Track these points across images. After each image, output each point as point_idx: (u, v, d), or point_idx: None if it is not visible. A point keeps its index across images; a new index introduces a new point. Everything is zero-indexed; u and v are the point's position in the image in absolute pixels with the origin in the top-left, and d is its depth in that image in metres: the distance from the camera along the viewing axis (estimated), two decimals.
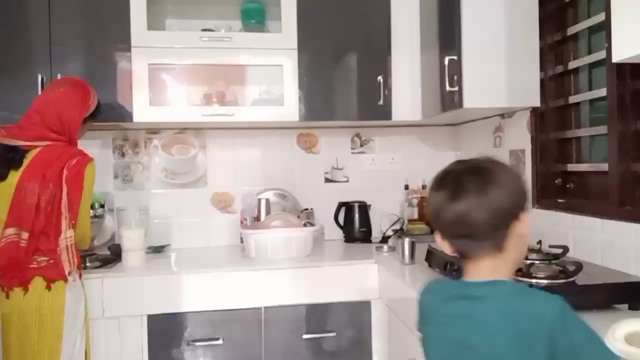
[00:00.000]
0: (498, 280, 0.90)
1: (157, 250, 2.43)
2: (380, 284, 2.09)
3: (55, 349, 1.67)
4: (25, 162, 1.67)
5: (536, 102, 2.01)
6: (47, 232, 1.65)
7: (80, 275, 1.76)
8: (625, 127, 1.61)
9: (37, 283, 1.65)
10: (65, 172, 1.68)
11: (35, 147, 1.70)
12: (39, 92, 2.11)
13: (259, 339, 2.06)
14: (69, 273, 1.68)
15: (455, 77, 1.98)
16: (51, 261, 1.66)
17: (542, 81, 2.00)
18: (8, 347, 1.65)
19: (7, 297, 1.64)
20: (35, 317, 1.65)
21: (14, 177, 1.66)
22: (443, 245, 0.95)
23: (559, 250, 1.52)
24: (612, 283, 1.39)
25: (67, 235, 1.68)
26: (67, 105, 1.78)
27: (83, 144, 2.49)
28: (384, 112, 2.37)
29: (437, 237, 0.96)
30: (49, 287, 1.65)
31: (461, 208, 0.88)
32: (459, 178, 0.91)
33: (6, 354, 1.66)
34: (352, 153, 2.74)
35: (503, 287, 0.90)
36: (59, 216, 1.67)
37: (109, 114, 2.21)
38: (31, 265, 1.65)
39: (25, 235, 1.64)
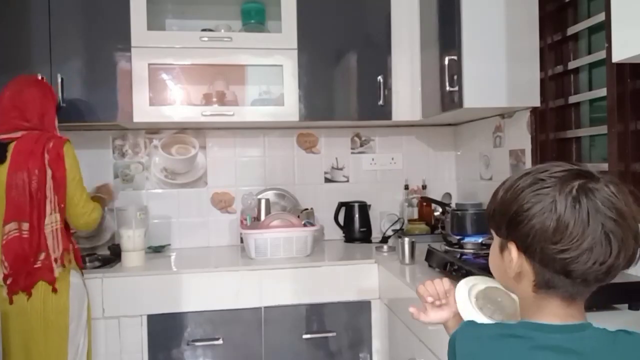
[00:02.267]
0: (584, 324, 0.75)
1: (157, 250, 2.43)
2: (380, 284, 2.09)
3: (62, 350, 1.68)
4: (8, 155, 1.68)
5: (536, 102, 2.01)
6: (41, 220, 1.67)
7: (80, 267, 1.78)
8: (625, 127, 1.61)
9: (41, 287, 1.65)
10: (46, 155, 1.69)
11: (13, 139, 1.71)
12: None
13: (259, 339, 2.06)
14: (55, 260, 1.67)
15: (455, 77, 1.98)
16: (45, 255, 1.66)
17: (542, 81, 2.00)
18: (12, 350, 1.65)
19: (11, 302, 1.64)
20: (40, 319, 1.65)
21: (2, 172, 1.67)
22: (512, 263, 0.76)
23: None
24: (612, 283, 1.38)
25: (52, 220, 1.68)
26: (41, 98, 1.81)
27: (83, 144, 2.50)
28: (384, 112, 2.37)
29: (514, 252, 0.76)
30: (54, 290, 1.66)
31: (610, 253, 0.70)
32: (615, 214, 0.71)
33: (12, 356, 1.65)
34: (352, 153, 2.75)
35: (601, 336, 0.74)
36: (44, 200, 1.68)
37: (109, 114, 2.21)
38: (35, 266, 1.65)
39: (25, 226, 1.65)
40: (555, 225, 0.70)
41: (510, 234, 0.76)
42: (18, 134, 1.72)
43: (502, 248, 0.79)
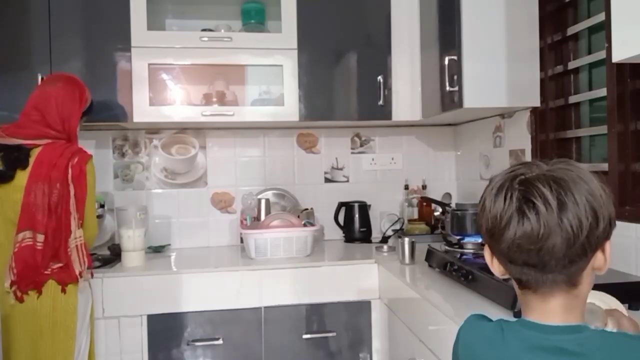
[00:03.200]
0: (582, 325, 0.73)
1: (157, 250, 2.43)
2: (380, 284, 2.10)
3: (69, 350, 1.67)
4: (31, 161, 1.67)
5: (536, 102, 2.01)
6: (59, 234, 1.65)
7: (92, 275, 1.78)
8: (625, 127, 1.61)
9: (51, 286, 1.65)
10: (70, 170, 1.68)
11: (37, 145, 1.70)
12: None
13: (259, 339, 2.06)
14: (80, 274, 1.67)
15: (455, 77, 1.98)
16: (62, 265, 1.65)
17: (542, 81, 2.00)
18: (19, 349, 1.64)
19: (22, 300, 1.63)
20: (49, 319, 1.64)
21: (21, 178, 1.65)
22: (493, 266, 0.79)
23: None
24: (612, 283, 1.39)
25: (76, 236, 1.67)
26: (66, 100, 1.77)
27: (83, 144, 2.49)
28: (384, 112, 2.37)
29: (487, 254, 0.79)
30: (64, 291, 1.65)
31: (531, 228, 0.70)
32: (532, 186, 0.71)
33: (18, 357, 1.65)
34: (352, 153, 2.75)
35: (599, 337, 0.72)
36: (68, 216, 1.66)
37: (109, 114, 2.21)
38: (45, 272, 1.64)
39: (40, 237, 1.63)
40: (493, 222, 0.74)
41: (484, 239, 0.80)
42: (43, 142, 1.71)
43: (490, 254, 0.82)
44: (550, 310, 0.74)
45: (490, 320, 0.83)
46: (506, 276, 0.78)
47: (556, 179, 0.70)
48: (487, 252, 0.79)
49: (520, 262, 0.73)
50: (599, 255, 0.73)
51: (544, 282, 0.73)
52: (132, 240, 2.09)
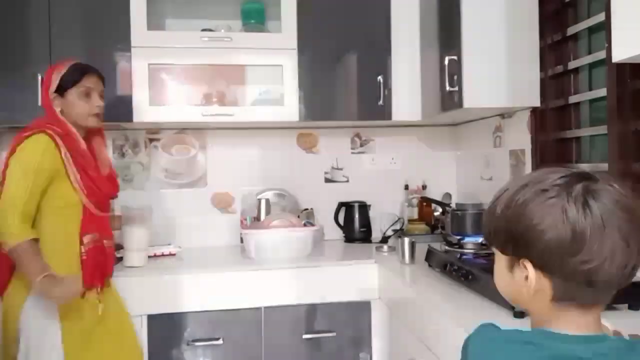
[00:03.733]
0: (600, 335, 0.72)
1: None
2: (380, 284, 2.09)
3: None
4: None
5: (536, 102, 2.01)
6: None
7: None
8: (625, 127, 1.61)
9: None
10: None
11: None
12: (39, 92, 2.11)
13: (259, 339, 2.06)
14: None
15: (455, 77, 1.98)
16: None
17: (542, 81, 2.00)
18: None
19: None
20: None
21: None
22: (531, 281, 0.71)
23: None
24: None
25: None
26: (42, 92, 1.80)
27: None
28: (384, 112, 2.37)
29: (531, 272, 0.71)
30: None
31: (628, 260, 0.67)
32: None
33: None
34: (352, 153, 2.75)
35: (612, 344, 0.71)
36: None
37: (109, 114, 2.20)
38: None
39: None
40: (571, 236, 0.66)
41: (521, 251, 0.71)
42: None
43: (512, 266, 0.74)
44: (587, 322, 0.71)
45: (502, 330, 0.79)
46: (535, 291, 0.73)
47: (628, 208, 0.68)
48: (530, 268, 0.71)
49: (594, 283, 0.68)
50: None
51: (603, 299, 0.71)
52: (135, 239, 2.08)
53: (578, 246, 0.66)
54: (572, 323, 0.71)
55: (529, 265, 0.71)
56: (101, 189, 1.76)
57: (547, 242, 0.68)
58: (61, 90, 1.73)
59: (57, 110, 1.72)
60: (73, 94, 1.73)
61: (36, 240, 1.59)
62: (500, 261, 0.77)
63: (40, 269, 1.55)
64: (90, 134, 1.82)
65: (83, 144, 1.74)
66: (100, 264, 1.74)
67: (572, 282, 0.69)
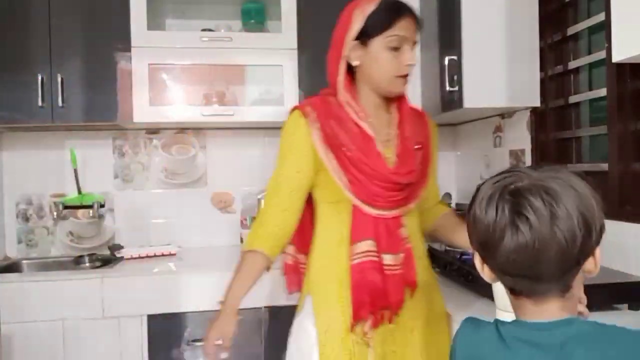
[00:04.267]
0: (570, 318, 0.73)
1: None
2: None
3: None
4: None
5: (536, 102, 2.01)
6: None
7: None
8: (625, 127, 1.61)
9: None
10: None
11: None
12: (39, 92, 2.12)
13: (259, 339, 2.06)
14: None
15: (455, 77, 1.98)
16: None
17: (542, 81, 2.00)
18: None
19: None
20: None
21: None
22: (484, 273, 0.78)
23: None
24: (612, 283, 1.39)
25: None
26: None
27: (84, 144, 2.50)
28: None
29: (477, 262, 0.78)
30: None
31: (525, 241, 0.69)
32: (523, 197, 0.69)
33: None
34: None
35: (581, 328, 0.72)
36: None
37: (109, 114, 2.21)
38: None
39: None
40: (479, 230, 0.74)
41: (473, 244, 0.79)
42: None
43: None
44: (544, 311, 0.74)
45: (486, 322, 0.82)
46: (497, 282, 0.78)
47: (547, 189, 0.69)
48: (477, 260, 0.78)
49: (514, 273, 0.73)
50: (589, 260, 0.73)
51: (537, 290, 0.73)
52: None
53: (493, 243, 0.71)
54: (531, 314, 0.75)
55: (477, 257, 0.79)
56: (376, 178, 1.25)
57: (476, 240, 0.76)
58: (365, 36, 1.27)
59: (356, 63, 1.30)
60: (379, 44, 1.27)
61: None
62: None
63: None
64: (388, 101, 1.35)
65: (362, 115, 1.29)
66: (374, 288, 1.23)
67: (506, 276, 0.74)
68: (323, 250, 1.32)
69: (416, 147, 1.33)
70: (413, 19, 1.26)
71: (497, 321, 0.78)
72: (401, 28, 1.24)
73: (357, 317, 1.23)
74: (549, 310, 0.73)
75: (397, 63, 1.26)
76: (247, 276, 1.32)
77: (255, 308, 2.05)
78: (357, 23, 1.28)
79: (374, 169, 1.24)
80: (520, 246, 0.69)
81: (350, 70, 1.32)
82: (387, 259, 1.24)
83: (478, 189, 0.77)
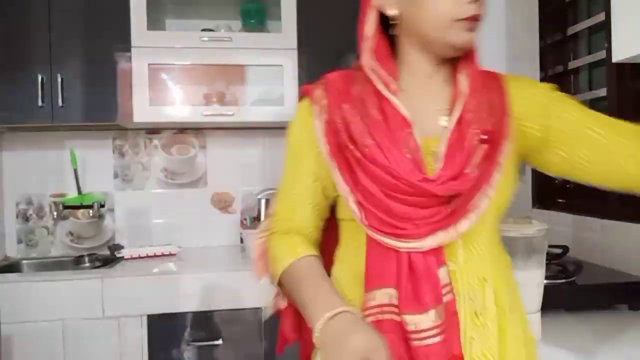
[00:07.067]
0: None
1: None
2: None
3: None
4: None
5: None
6: None
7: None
8: None
9: None
10: None
11: None
12: (39, 92, 2.12)
13: (259, 339, 2.06)
14: None
15: None
16: None
17: (542, 81, 1.99)
18: None
19: None
20: None
21: None
22: None
23: (559, 250, 1.52)
24: (612, 283, 1.39)
25: None
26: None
27: (84, 144, 2.51)
28: None
29: None
30: None
31: None
32: None
33: None
34: None
35: None
36: None
37: (109, 114, 2.21)
38: None
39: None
40: None
41: None
42: None
43: None
44: None
45: None
46: None
47: None
48: None
49: None
50: None
51: None
52: None
53: None
54: None
55: None
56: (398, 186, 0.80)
57: None
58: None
59: (393, 12, 0.88)
60: None
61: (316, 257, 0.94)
62: None
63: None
64: (447, 67, 0.92)
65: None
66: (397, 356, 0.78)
67: None
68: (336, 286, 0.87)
69: (481, 136, 0.84)
70: None
71: None
72: None
73: None
74: None
75: (456, 3, 0.81)
76: (317, 279, 0.90)
77: (255, 308, 2.05)
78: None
79: (396, 173, 0.80)
80: None
81: (387, 32, 0.92)
82: (412, 321, 0.78)
83: None
